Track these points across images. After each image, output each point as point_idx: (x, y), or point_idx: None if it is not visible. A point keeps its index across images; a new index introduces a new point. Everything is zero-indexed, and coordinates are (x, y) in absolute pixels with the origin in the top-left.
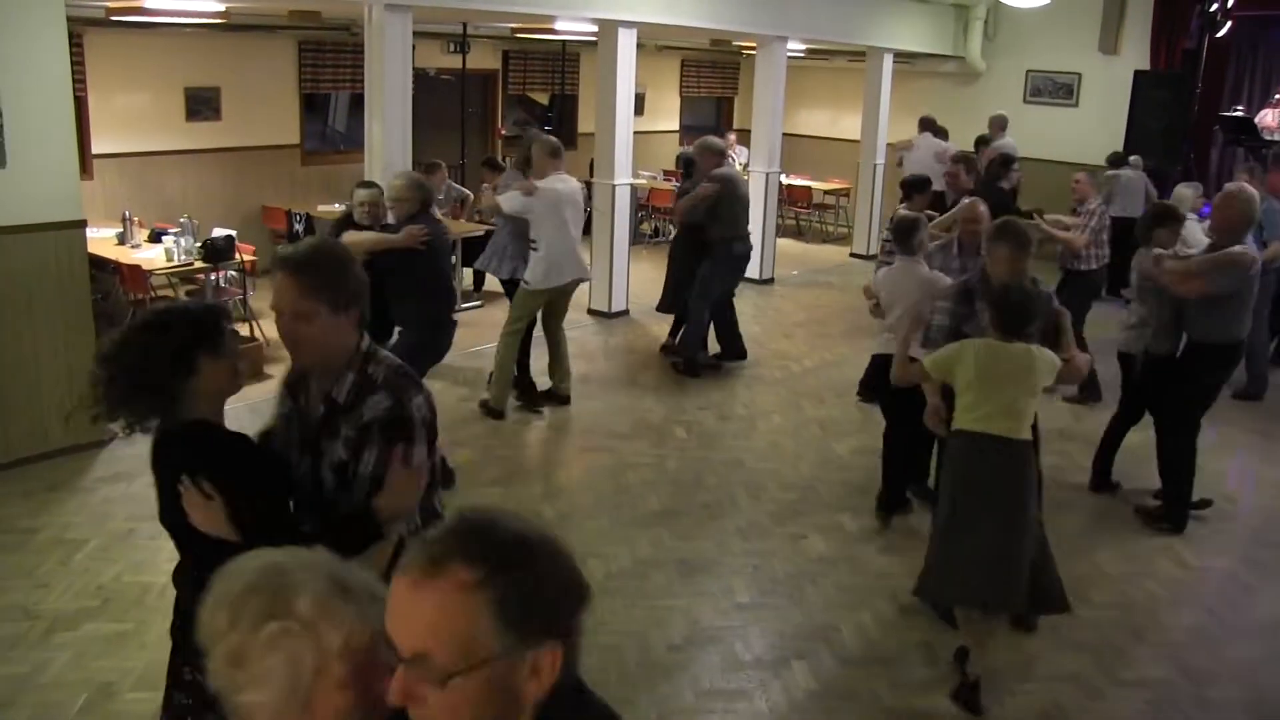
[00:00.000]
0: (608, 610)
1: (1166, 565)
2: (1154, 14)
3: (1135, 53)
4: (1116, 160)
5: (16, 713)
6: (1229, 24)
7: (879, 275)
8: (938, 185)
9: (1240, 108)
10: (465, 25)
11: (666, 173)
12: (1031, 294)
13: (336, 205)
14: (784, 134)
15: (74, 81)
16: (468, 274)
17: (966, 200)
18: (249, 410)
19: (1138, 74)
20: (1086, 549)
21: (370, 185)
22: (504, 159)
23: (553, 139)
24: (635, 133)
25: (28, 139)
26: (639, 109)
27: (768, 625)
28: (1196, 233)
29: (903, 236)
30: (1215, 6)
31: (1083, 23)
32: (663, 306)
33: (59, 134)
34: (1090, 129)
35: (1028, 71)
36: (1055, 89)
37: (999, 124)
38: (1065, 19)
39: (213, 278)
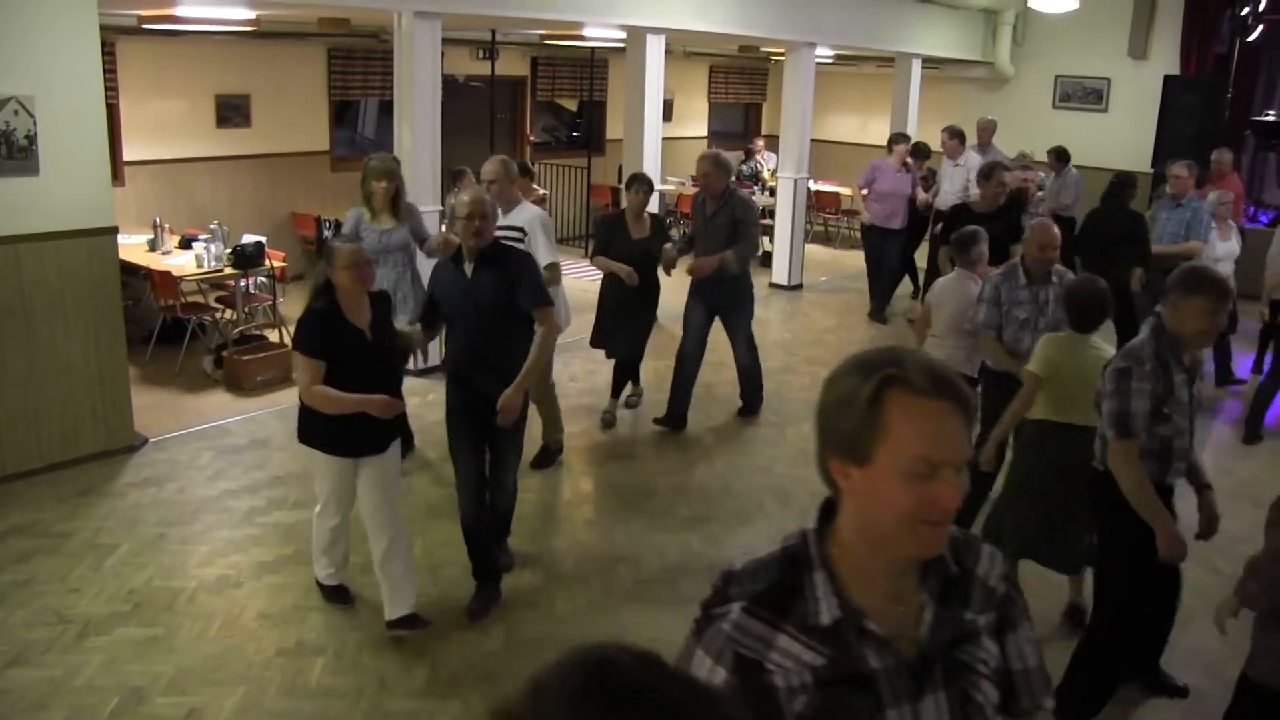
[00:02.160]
0: (636, 616)
1: (1199, 573)
2: (1184, 18)
3: (1165, 57)
4: (1062, 155)
5: (50, 715)
6: (1261, 27)
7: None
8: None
9: (1272, 113)
10: (494, 32)
11: (694, 179)
12: (1101, 290)
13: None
14: (812, 140)
15: (106, 89)
16: None
17: (1035, 222)
18: (276, 416)
19: (1168, 79)
20: None
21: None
22: (533, 163)
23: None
24: (663, 139)
25: (61, 147)
26: (667, 115)
27: None
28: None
29: (960, 249)
30: (1246, 10)
31: (1112, 27)
32: (630, 352)
33: (92, 142)
34: (1120, 135)
35: (1057, 77)
36: (1085, 94)
37: (990, 129)
38: (1094, 24)
39: (243, 284)
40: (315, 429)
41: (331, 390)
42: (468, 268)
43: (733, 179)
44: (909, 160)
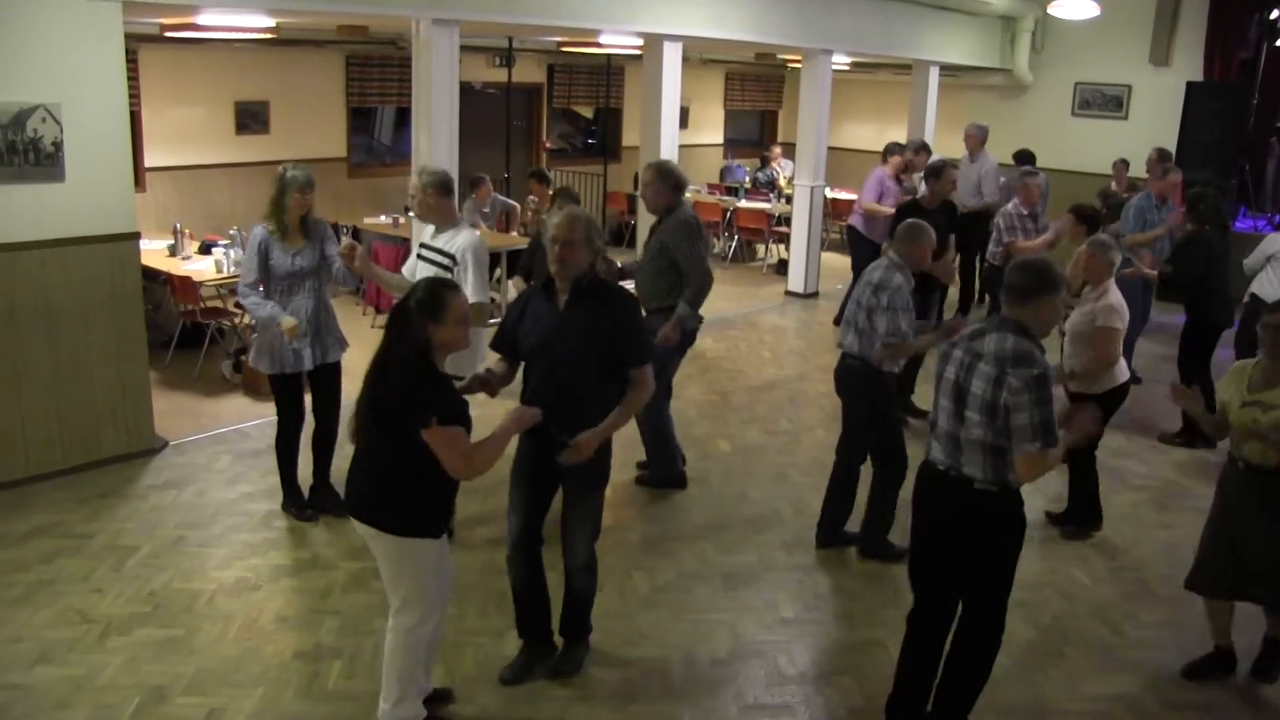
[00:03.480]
0: (652, 623)
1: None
2: (1208, 24)
3: (1188, 64)
4: (1023, 158)
5: (73, 714)
6: None
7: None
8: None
9: None
10: (511, 39)
11: (710, 186)
12: None
13: (383, 217)
14: (829, 147)
15: (128, 96)
16: (510, 286)
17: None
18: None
19: (1190, 85)
20: (1133, 566)
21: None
22: (549, 170)
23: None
24: (680, 146)
25: (85, 153)
26: (683, 122)
27: (812, 640)
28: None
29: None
30: (1276, 14)
31: (1133, 34)
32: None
33: (115, 149)
34: (1140, 142)
35: (1076, 84)
36: (1104, 101)
37: (977, 136)
38: (1115, 30)
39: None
40: (434, 510)
41: (485, 441)
42: (561, 300)
43: (685, 194)
44: (902, 174)
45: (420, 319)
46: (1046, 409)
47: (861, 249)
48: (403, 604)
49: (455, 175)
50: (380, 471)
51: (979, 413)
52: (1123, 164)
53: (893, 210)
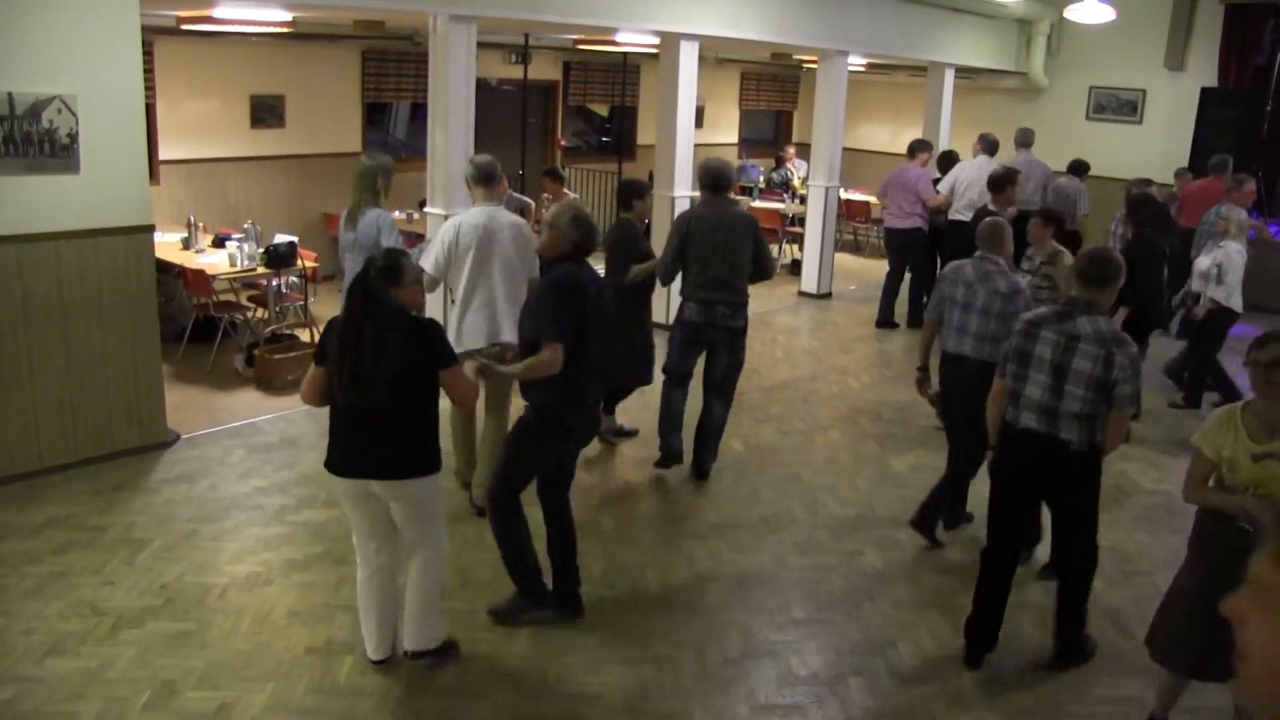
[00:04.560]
0: (664, 622)
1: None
2: (1223, 29)
3: (1203, 69)
4: (1077, 168)
5: (85, 705)
6: None
7: None
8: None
9: None
10: (527, 36)
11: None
12: None
13: (396, 212)
14: (843, 148)
15: (144, 89)
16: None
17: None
18: (307, 415)
19: (1205, 91)
20: (1145, 571)
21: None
22: (564, 168)
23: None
24: (695, 145)
25: (101, 145)
26: (698, 121)
27: (824, 641)
28: (1234, 256)
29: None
30: None
31: (1148, 39)
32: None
33: (130, 141)
34: (1155, 147)
35: (1091, 88)
36: (1119, 106)
37: (1021, 139)
38: (1131, 35)
39: (275, 283)
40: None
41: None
42: None
43: (727, 194)
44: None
45: (383, 286)
46: (1140, 381)
47: (921, 248)
48: (427, 538)
49: (470, 171)
50: (409, 425)
51: (1084, 388)
52: (1185, 173)
53: (943, 196)
